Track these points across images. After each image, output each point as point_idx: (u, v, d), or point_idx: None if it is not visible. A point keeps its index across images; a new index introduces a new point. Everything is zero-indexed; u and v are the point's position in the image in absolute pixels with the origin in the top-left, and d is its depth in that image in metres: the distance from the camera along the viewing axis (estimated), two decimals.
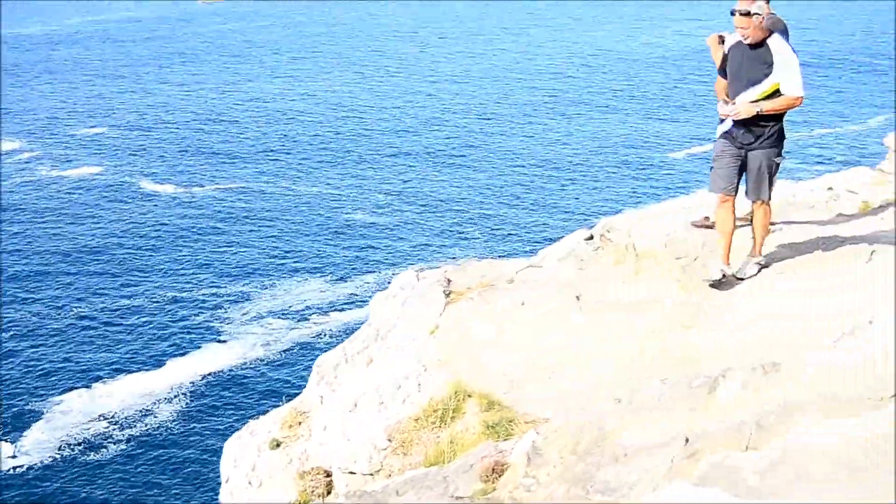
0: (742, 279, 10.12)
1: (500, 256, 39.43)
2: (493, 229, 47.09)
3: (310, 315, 40.15)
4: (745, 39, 9.68)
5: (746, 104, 9.62)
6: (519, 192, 51.36)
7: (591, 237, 12.27)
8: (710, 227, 10.99)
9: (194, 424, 32.42)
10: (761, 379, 6.78)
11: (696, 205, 12.65)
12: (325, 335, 37.48)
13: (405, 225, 48.10)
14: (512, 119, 63.21)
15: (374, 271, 43.01)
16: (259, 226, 48.45)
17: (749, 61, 9.70)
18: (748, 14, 9.52)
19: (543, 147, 57.73)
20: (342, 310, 39.92)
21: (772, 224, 11.95)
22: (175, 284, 42.45)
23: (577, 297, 10.41)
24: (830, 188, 14.90)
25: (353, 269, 43.93)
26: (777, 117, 9.83)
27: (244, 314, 40.25)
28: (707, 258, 10.63)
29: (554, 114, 64.07)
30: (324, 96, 69.25)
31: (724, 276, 10.16)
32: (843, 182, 15.17)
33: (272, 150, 58.48)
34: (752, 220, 10.52)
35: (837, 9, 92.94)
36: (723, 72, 10.11)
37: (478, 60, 78.51)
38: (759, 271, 10.20)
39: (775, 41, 9.69)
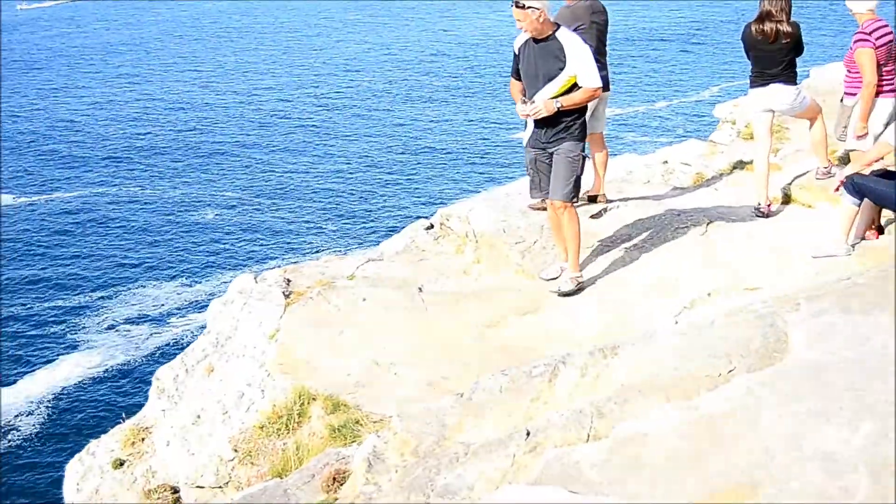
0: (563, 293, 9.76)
1: (357, 245, 39.26)
2: (346, 219, 46.76)
3: (168, 319, 39.26)
4: (526, 33, 9.43)
5: (546, 101, 9.31)
6: (369, 181, 51.11)
7: (431, 226, 12.15)
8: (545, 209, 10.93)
9: (56, 442, 31.29)
10: (601, 363, 6.70)
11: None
12: (186, 337, 36.56)
13: (258, 221, 47.42)
14: (357, 108, 62.90)
15: (230, 269, 42.24)
16: (107, 232, 47.14)
17: (541, 57, 9.42)
18: (522, 7, 9.22)
19: (388, 136, 57.56)
20: (202, 310, 39.02)
21: (609, 201, 12.03)
22: (24, 297, 40.98)
23: (419, 289, 10.27)
24: (665, 162, 15.12)
25: (208, 268, 43.11)
26: (580, 111, 9.57)
27: (100, 323, 39.10)
28: (547, 241, 10.60)
29: (397, 101, 63.96)
30: (163, 96, 67.78)
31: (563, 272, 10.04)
32: (678, 155, 15.41)
33: (115, 156, 56.95)
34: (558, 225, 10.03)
35: None
36: (517, 73, 9.81)
37: (320, 53, 77.89)
38: (577, 288, 9.76)
39: (564, 34, 9.44)
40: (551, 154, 9.57)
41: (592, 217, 11.50)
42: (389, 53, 75.77)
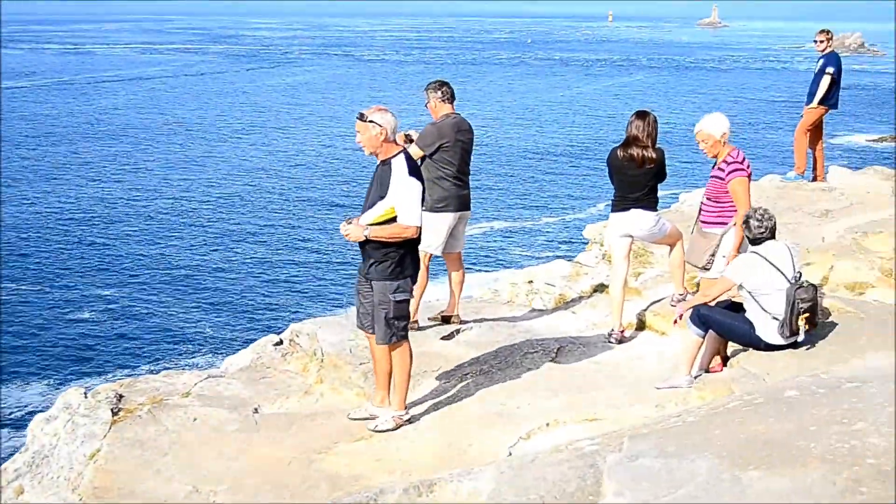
0: (376, 431, 9.11)
1: (229, 351, 38.32)
2: (224, 324, 45.90)
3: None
4: (364, 150, 8.76)
5: (357, 226, 8.59)
6: (252, 282, 50.39)
7: (281, 342, 11.75)
8: None
9: None
10: (415, 502, 6.35)
11: None
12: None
13: (130, 323, 46.29)
14: (252, 210, 62.39)
15: (96, 374, 41.01)
16: None
17: (377, 180, 8.78)
18: (364, 119, 8.62)
19: (279, 239, 57.09)
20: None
21: (462, 322, 11.77)
22: None
23: (255, 410, 9.82)
24: (530, 281, 14.97)
25: (73, 373, 41.82)
26: (397, 246, 8.68)
27: None
28: None
29: (290, 204, 63.66)
30: (52, 189, 66.59)
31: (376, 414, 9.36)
32: (544, 275, 15.29)
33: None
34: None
35: (555, 102, 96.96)
36: None
37: (214, 152, 77.43)
38: (395, 427, 9.06)
39: (398, 162, 8.63)
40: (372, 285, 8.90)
41: (443, 339, 11.23)
42: (286, 158, 75.60)
